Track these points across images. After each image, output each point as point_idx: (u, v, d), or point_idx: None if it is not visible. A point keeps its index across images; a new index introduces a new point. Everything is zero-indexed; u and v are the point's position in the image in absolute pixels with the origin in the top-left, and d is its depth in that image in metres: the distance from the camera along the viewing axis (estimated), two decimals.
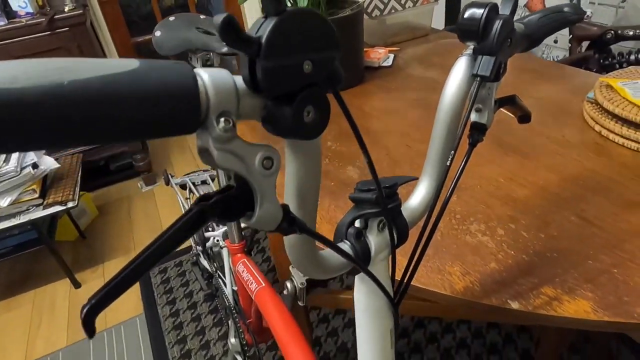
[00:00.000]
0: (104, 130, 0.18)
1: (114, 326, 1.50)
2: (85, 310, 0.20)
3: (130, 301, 1.59)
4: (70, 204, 1.50)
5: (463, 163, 0.41)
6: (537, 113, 0.85)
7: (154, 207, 2.11)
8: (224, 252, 1.10)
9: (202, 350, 1.37)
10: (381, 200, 0.34)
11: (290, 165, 0.27)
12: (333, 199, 0.69)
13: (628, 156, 0.69)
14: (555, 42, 1.75)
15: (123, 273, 0.21)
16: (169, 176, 1.40)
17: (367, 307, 0.39)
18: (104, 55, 2.23)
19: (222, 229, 1.10)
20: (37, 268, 1.81)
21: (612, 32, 1.17)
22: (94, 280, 1.71)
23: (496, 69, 0.36)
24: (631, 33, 1.14)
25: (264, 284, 0.86)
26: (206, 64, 0.79)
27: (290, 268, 0.93)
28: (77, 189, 1.59)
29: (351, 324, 1.38)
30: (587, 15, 1.27)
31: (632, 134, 0.70)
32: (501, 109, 0.45)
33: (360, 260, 0.35)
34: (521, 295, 0.49)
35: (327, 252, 0.34)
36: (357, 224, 0.37)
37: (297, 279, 0.90)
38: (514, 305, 0.48)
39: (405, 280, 0.40)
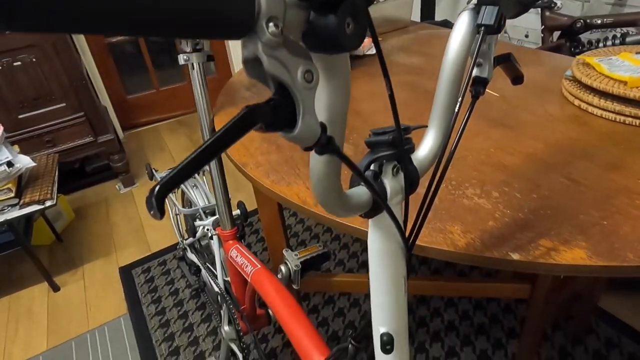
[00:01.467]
0: (163, 15, 0.18)
1: (97, 328, 1.45)
2: (156, 189, 0.21)
3: (113, 302, 1.55)
4: (48, 203, 1.46)
5: (468, 113, 0.43)
6: (519, 92, 0.89)
7: (134, 208, 2.07)
8: (214, 241, 1.09)
9: (191, 346, 1.34)
10: (399, 137, 0.35)
11: (321, 86, 0.28)
12: None
13: (607, 126, 0.73)
14: (527, 36, 1.82)
15: (183, 164, 0.21)
16: (153, 170, 1.38)
17: (380, 252, 0.40)
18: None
19: (212, 218, 1.09)
20: (12, 272, 1.74)
21: (582, 21, 1.23)
22: (74, 282, 1.66)
23: (499, 18, 0.38)
24: (599, 22, 1.21)
25: (259, 266, 0.86)
26: None
27: (284, 251, 0.93)
28: (55, 188, 1.54)
29: (341, 313, 1.39)
30: (558, 7, 1.33)
31: (609, 105, 0.74)
32: (499, 66, 0.47)
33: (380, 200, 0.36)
34: (521, 247, 0.51)
35: (350, 191, 0.35)
36: (372, 167, 0.38)
37: (291, 261, 0.90)
38: (515, 256, 0.50)
39: (417, 224, 0.41)
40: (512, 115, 0.80)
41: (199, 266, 1.32)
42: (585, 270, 0.48)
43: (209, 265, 1.18)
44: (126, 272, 1.67)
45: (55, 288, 1.63)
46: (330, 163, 0.31)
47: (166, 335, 1.39)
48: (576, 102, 0.80)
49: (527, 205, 0.58)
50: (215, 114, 0.96)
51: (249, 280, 0.86)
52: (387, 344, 0.41)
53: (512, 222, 0.55)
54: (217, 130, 0.23)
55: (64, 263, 1.77)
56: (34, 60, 1.77)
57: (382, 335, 0.41)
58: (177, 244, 1.39)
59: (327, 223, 0.61)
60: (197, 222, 1.10)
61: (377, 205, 0.37)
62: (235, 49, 2.77)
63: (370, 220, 0.40)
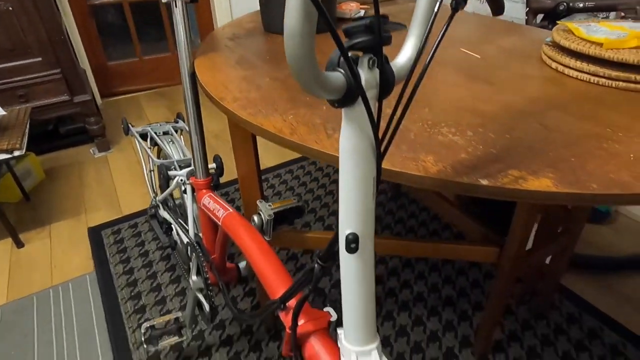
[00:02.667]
0: None
1: (61, 284, 1.42)
2: None
3: (79, 260, 1.51)
4: (16, 153, 1.41)
5: (446, 25, 0.43)
6: (500, 56, 0.90)
7: (108, 173, 2.02)
8: (188, 194, 1.07)
9: (158, 305, 1.32)
10: (377, 22, 0.34)
11: None
12: (309, 108, 0.69)
13: (582, 86, 0.75)
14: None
15: None
16: (129, 125, 1.34)
17: (352, 150, 0.40)
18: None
19: (187, 169, 1.07)
20: None
21: (565, 4, 1.26)
22: (40, 240, 1.61)
23: None
24: (581, 5, 1.23)
25: (231, 210, 0.85)
26: None
27: (258, 202, 0.92)
28: (25, 140, 1.48)
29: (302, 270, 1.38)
30: None
31: (585, 66, 0.76)
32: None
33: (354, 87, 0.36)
34: (490, 175, 0.52)
35: (325, 72, 0.35)
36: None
37: (265, 212, 0.90)
38: (484, 182, 0.51)
39: (391, 128, 0.41)
40: (491, 74, 0.81)
41: (170, 224, 1.30)
42: (551, 197, 0.49)
43: (181, 221, 1.16)
44: (95, 233, 1.63)
45: (19, 244, 1.58)
46: (307, 18, 0.30)
47: (133, 294, 1.36)
48: (554, 64, 0.82)
49: (499, 144, 0.58)
50: (196, 57, 0.94)
51: (220, 223, 0.85)
52: (352, 242, 0.41)
53: (484, 156, 0.56)
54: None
55: (30, 221, 1.71)
56: (10, 9, 1.71)
57: (347, 235, 0.41)
58: (147, 210, 1.36)
59: (304, 152, 0.60)
60: (171, 172, 1.07)
61: (351, 92, 0.36)
62: (220, 16, 2.73)
63: (343, 114, 0.39)
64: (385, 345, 1.19)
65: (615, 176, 0.51)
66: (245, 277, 1.41)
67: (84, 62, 2.47)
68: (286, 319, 0.61)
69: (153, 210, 1.40)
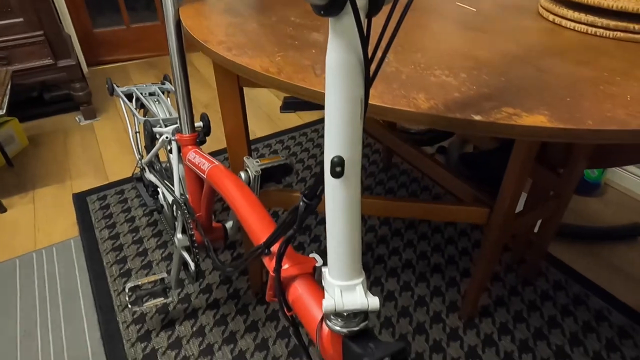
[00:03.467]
0: None
1: (45, 248, 1.39)
2: None
3: (64, 225, 1.48)
4: None
5: None
6: (496, 9, 0.87)
7: (94, 140, 1.97)
8: (174, 153, 1.04)
9: (144, 269, 1.30)
10: None
11: None
12: (298, 51, 0.67)
13: (579, 37, 0.73)
14: None
15: None
16: (113, 85, 1.30)
17: (338, 67, 0.37)
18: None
19: (173, 126, 1.04)
20: None
21: None
22: (23, 205, 1.57)
23: None
24: None
25: (217, 163, 0.83)
26: None
27: (245, 158, 0.90)
28: (6, 100, 1.44)
29: (307, 228, 1.37)
30: None
31: (582, 17, 0.73)
32: None
33: None
34: (484, 111, 0.50)
35: None
36: None
37: (252, 168, 0.88)
38: (477, 117, 0.49)
39: (381, 47, 0.38)
40: (487, 25, 0.79)
41: (156, 187, 1.27)
42: (546, 134, 0.48)
43: (167, 183, 1.13)
44: (80, 199, 1.59)
45: (2, 209, 1.54)
46: None
47: (118, 258, 1.34)
48: (550, 17, 0.79)
49: (493, 85, 0.56)
50: (182, 4, 0.90)
51: (205, 176, 0.82)
52: (337, 166, 0.39)
53: (477, 95, 0.54)
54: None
55: (13, 187, 1.67)
56: None
57: (333, 158, 0.39)
58: (147, 206, 1.33)
59: (290, 91, 0.58)
60: (157, 129, 1.04)
61: None
62: None
63: (330, 27, 0.37)
64: None
65: (611, 114, 0.49)
66: (233, 243, 1.39)
67: (69, 28, 2.39)
68: (270, 264, 0.59)
69: (139, 173, 1.37)
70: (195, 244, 0.95)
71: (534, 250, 1.24)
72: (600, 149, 1.03)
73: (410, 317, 1.16)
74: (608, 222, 1.47)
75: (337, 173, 0.39)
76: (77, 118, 2.14)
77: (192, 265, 0.96)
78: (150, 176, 1.25)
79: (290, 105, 2.24)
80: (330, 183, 0.40)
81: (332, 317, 0.47)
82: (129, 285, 1.04)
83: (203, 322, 1.15)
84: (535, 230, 1.31)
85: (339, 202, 0.41)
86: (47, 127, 2.07)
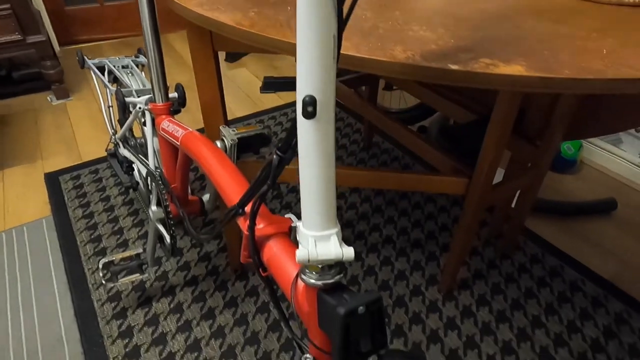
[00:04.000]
0: None
1: (15, 227, 1.34)
2: None
3: (35, 205, 1.43)
4: None
5: None
6: None
7: (67, 120, 1.90)
8: (147, 123, 1.01)
9: (120, 248, 1.27)
10: None
11: None
12: (273, 8, 0.64)
13: (559, 1, 0.73)
14: None
15: None
16: (84, 57, 1.25)
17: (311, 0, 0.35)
18: None
19: (146, 96, 1.01)
20: None
21: None
22: None
23: None
24: None
25: (191, 129, 0.80)
26: None
27: (221, 127, 0.88)
28: None
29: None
30: None
31: None
32: None
33: None
34: (461, 62, 0.49)
35: None
36: None
37: (228, 137, 0.85)
38: (454, 67, 0.48)
39: None
40: None
41: (131, 163, 1.24)
42: (523, 83, 0.47)
43: (142, 157, 1.10)
44: (52, 178, 1.54)
45: None
46: None
47: (92, 236, 1.30)
48: None
49: (471, 38, 0.55)
50: None
51: (178, 143, 0.80)
52: (309, 105, 0.37)
53: (455, 47, 0.53)
54: None
55: None
56: None
57: (304, 98, 0.37)
58: (122, 184, 1.28)
59: (262, 43, 0.56)
60: (129, 99, 1.01)
61: None
62: None
63: None
64: (353, 284, 1.18)
65: (587, 65, 0.49)
66: (211, 222, 1.37)
67: (39, 4, 2.29)
68: (245, 224, 0.57)
69: (113, 149, 1.33)
70: (171, 216, 0.92)
71: (512, 224, 1.25)
72: (577, 119, 1.04)
73: (391, 290, 1.17)
74: (584, 198, 1.50)
75: (309, 113, 0.38)
76: (48, 98, 2.06)
77: (167, 238, 0.94)
78: (124, 151, 1.21)
79: (271, 85, 2.21)
80: (303, 125, 0.39)
81: (306, 270, 0.46)
82: (102, 261, 1.01)
83: (181, 299, 1.13)
84: (513, 205, 1.32)
85: (312, 146, 0.40)
86: (17, 106, 1.99)
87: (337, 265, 0.45)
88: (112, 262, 1.02)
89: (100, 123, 1.88)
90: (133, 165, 1.25)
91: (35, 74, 2.06)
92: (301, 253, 0.43)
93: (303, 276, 0.46)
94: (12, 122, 1.87)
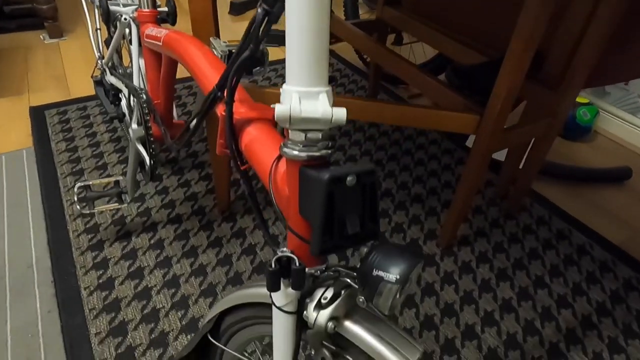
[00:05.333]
0: None
1: None
2: None
3: (17, 136, 1.36)
4: None
5: None
6: None
7: (58, 58, 1.81)
8: (134, 36, 0.92)
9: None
10: None
11: None
12: None
13: None
14: None
15: None
16: None
17: None
18: None
19: (133, 6, 0.92)
20: None
21: None
22: None
23: None
24: None
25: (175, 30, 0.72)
26: None
27: (211, 39, 0.79)
28: None
29: None
30: None
31: None
32: None
33: None
34: None
35: None
36: None
37: (218, 48, 0.77)
38: None
39: None
40: None
41: (117, 92, 1.15)
42: None
43: (128, 82, 1.02)
44: (37, 112, 1.46)
45: None
46: None
47: (74, 170, 1.23)
48: None
49: None
50: None
51: (160, 44, 0.71)
52: None
53: None
54: None
55: None
56: None
57: None
58: (108, 113, 1.19)
59: None
60: (114, 8, 0.92)
61: None
62: None
63: None
64: None
65: None
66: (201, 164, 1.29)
67: None
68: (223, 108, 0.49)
69: (99, 76, 1.24)
70: (152, 136, 0.85)
71: (518, 185, 1.17)
72: (599, 64, 0.95)
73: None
74: (597, 167, 1.42)
75: None
76: (41, 36, 1.96)
77: (147, 159, 0.86)
78: (111, 78, 1.13)
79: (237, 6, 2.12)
80: None
81: (289, 142, 0.38)
82: (78, 184, 0.94)
83: (162, 235, 1.06)
84: (521, 166, 1.24)
85: None
86: (7, 43, 1.90)
87: (325, 139, 0.38)
88: (89, 186, 0.95)
89: (93, 63, 1.79)
90: (120, 95, 1.17)
91: (28, 10, 1.96)
92: (281, 108, 0.35)
93: (285, 149, 0.38)
94: (2, 58, 1.78)
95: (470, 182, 0.95)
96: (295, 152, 0.37)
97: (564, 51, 0.94)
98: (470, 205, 1.22)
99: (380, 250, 0.38)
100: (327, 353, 0.42)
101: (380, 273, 0.36)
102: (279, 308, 0.42)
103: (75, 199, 0.93)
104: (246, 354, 0.58)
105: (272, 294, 0.42)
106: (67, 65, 1.77)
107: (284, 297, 0.42)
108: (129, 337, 0.85)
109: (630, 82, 1.44)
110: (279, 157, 0.42)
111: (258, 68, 0.86)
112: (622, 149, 1.52)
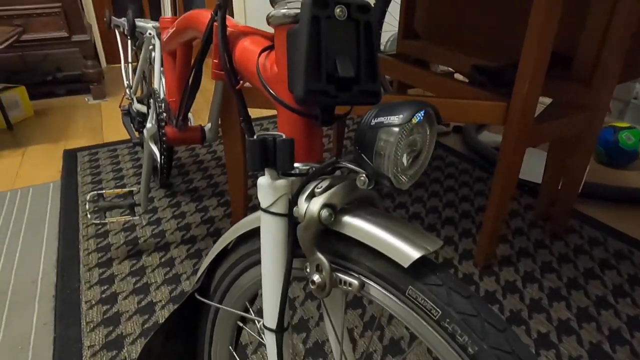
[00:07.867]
0: None
1: (22, 188, 1.29)
2: None
3: (47, 173, 1.39)
4: None
5: None
6: None
7: (98, 115, 1.93)
8: (157, 48, 0.96)
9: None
10: None
11: None
12: None
13: None
14: None
15: None
16: (111, 17, 1.27)
17: None
18: None
19: (154, 22, 0.97)
20: None
21: None
22: (12, 156, 1.51)
23: None
24: None
25: None
26: None
27: None
28: (4, 44, 1.42)
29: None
30: None
31: None
32: None
33: None
34: None
35: None
36: None
37: None
38: None
39: None
40: None
41: (143, 119, 1.18)
42: None
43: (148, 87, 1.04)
44: (70, 153, 1.52)
45: None
46: None
47: (95, 197, 1.22)
48: None
49: None
50: None
51: (174, 28, 0.73)
52: None
53: None
54: None
55: (7, 144, 1.62)
56: None
57: None
58: (132, 140, 1.24)
59: None
60: (140, 23, 0.97)
61: None
62: None
63: None
64: None
65: None
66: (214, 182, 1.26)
67: (90, 18, 2.47)
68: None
69: (127, 106, 1.29)
70: (164, 136, 0.83)
71: (560, 206, 1.06)
72: (630, 56, 0.89)
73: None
74: None
75: None
76: (86, 98, 2.13)
77: (157, 157, 0.84)
78: (137, 105, 1.17)
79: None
80: None
81: (277, 7, 0.34)
82: (91, 194, 0.92)
83: (174, 254, 1.00)
84: (559, 187, 1.13)
85: None
86: (56, 103, 2.06)
87: None
88: (101, 195, 0.93)
89: None
90: (145, 122, 1.20)
91: (77, 77, 2.15)
92: None
93: (272, 13, 0.34)
94: (48, 114, 1.92)
95: (503, 182, 0.86)
96: (283, 10, 0.33)
97: (591, 46, 0.90)
98: (506, 213, 1.11)
99: (382, 104, 0.31)
100: (323, 259, 0.34)
101: (380, 119, 0.29)
102: (265, 210, 0.35)
103: (87, 208, 0.90)
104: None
105: (260, 200, 0.35)
106: (105, 119, 1.87)
107: (270, 191, 0.34)
108: (124, 350, 0.76)
109: None
110: (265, 48, 0.39)
111: None
112: None
